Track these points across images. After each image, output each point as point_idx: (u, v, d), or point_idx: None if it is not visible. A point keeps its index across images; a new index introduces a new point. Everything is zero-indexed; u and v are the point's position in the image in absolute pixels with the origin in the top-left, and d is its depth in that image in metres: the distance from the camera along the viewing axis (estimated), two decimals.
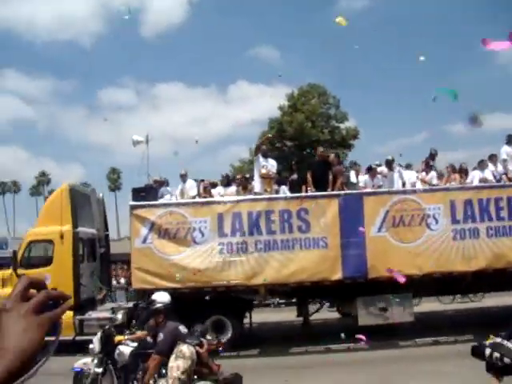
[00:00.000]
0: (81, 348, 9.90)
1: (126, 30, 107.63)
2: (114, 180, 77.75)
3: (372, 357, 12.14)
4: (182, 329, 7.11)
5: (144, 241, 13.25)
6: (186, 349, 5.05)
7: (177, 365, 4.91)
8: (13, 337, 0.92)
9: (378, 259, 13.02)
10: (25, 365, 0.92)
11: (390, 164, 14.65)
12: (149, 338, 7.79)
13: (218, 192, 14.75)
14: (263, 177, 13.95)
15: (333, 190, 13.83)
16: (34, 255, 14.70)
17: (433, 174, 14.45)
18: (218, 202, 13.62)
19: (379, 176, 14.46)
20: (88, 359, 8.47)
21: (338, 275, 12.96)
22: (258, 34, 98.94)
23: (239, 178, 14.91)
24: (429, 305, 19.10)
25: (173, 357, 4.85)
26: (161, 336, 6.95)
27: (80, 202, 15.08)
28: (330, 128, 47.83)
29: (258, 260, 13.08)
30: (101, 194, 16.88)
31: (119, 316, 11.30)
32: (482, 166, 14.74)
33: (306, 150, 47.05)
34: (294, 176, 15.65)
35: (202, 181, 15.42)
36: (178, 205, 13.57)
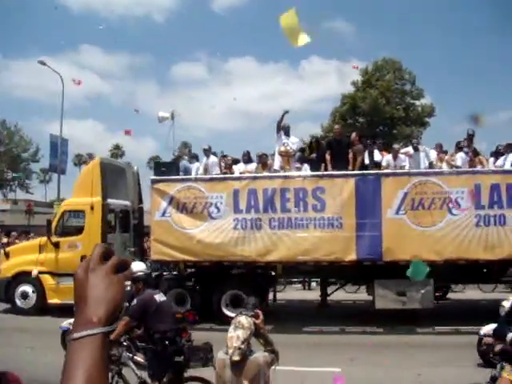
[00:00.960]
0: None
1: (198, 5, 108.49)
2: (184, 154, 79.12)
3: (387, 341, 11.93)
4: (159, 297, 7.28)
5: (163, 214, 13.58)
6: (244, 319, 5.26)
7: (236, 335, 5.13)
8: (103, 290, 1.11)
9: (395, 242, 12.68)
10: (116, 312, 1.12)
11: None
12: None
13: (238, 168, 14.78)
14: (282, 154, 13.84)
15: (353, 169, 13.53)
16: (68, 224, 15.44)
17: (460, 155, 13.70)
18: (234, 179, 13.71)
19: (402, 156, 13.95)
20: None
21: (351, 256, 12.74)
22: (333, 7, 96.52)
23: (260, 156, 14.85)
24: (470, 292, 18.44)
25: (232, 327, 5.09)
26: (134, 301, 7.18)
27: (112, 175, 15.59)
28: (404, 105, 46.46)
29: (271, 237, 13.07)
30: (135, 168, 17.37)
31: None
32: None
33: (379, 127, 45.99)
34: (314, 155, 15.37)
35: (225, 156, 15.50)
36: (196, 180, 13.76)
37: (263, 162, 14.43)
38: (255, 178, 13.56)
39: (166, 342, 7.06)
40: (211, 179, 13.81)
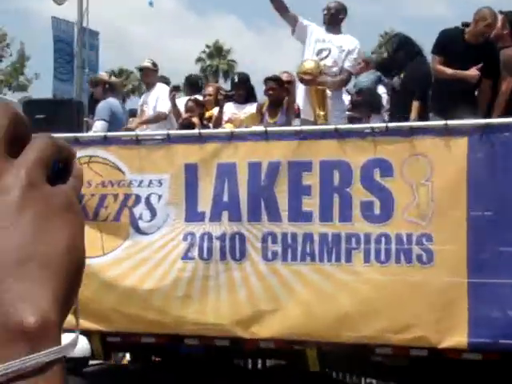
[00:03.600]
0: None
1: None
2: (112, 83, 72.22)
3: None
4: None
5: None
6: None
7: None
8: (33, 242, 0.46)
9: None
10: (71, 298, 0.51)
11: None
12: None
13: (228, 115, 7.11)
14: (304, 79, 6.13)
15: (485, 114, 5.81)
16: None
17: None
18: (190, 140, 6.09)
19: None
20: None
21: (459, 337, 5.15)
22: None
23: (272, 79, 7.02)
24: None
25: None
26: None
27: None
28: None
29: (268, 281, 5.64)
30: None
31: None
32: None
33: None
34: (396, 80, 7.31)
35: (177, 88, 7.78)
36: (106, 141, 6.29)
37: (276, 97, 6.68)
38: (238, 136, 5.99)
39: None
40: (138, 141, 6.25)
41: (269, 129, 5.84)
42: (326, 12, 6.54)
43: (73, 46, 15.22)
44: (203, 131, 6.06)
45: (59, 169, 0.47)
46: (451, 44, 6.36)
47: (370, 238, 5.41)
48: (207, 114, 7.07)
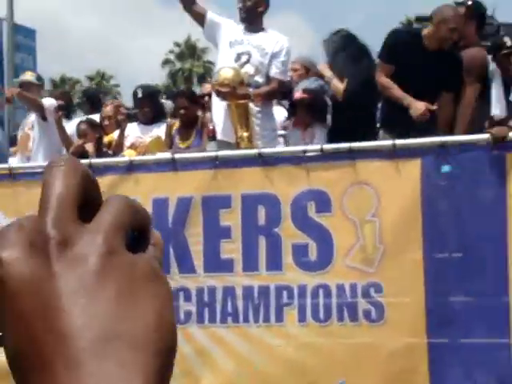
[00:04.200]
0: None
1: None
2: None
3: None
4: None
5: None
6: None
7: None
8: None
9: None
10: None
11: None
12: None
13: (132, 139, 5.87)
14: (221, 92, 4.95)
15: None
16: None
17: None
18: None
19: None
20: None
21: None
22: None
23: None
24: None
25: None
26: None
27: None
28: None
29: (180, 348, 4.47)
30: None
31: None
32: None
33: None
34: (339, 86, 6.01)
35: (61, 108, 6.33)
36: None
37: (185, 118, 5.44)
38: (140, 166, 4.76)
39: None
40: (13, 176, 4.85)
41: (177, 156, 4.67)
42: (240, 6, 5.25)
43: (1, 47, 13.61)
44: (95, 161, 4.86)
45: (135, 235, 0.42)
46: (405, 50, 5.23)
47: (306, 290, 4.32)
48: (106, 139, 5.87)
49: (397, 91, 4.98)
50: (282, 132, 5.86)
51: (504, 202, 4.03)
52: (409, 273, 4.19)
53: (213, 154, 4.63)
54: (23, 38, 12.59)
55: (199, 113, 5.42)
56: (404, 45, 5.27)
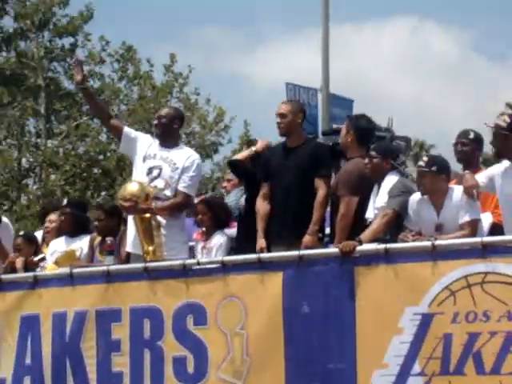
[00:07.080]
0: None
1: None
2: None
3: None
4: None
5: None
6: None
7: None
8: None
9: None
10: None
11: None
12: None
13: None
14: (124, 207, 5.16)
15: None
16: None
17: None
18: None
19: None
20: None
21: None
22: None
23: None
24: None
25: None
26: None
27: None
28: None
29: None
30: None
31: None
32: None
33: None
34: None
35: None
36: None
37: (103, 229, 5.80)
38: (42, 281, 4.92)
39: None
40: None
41: (74, 270, 4.98)
42: (156, 122, 5.48)
43: (317, 120, 11.34)
44: (4, 277, 5.25)
45: None
46: None
47: None
48: (45, 252, 6.13)
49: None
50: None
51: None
52: None
53: (104, 268, 4.90)
54: (340, 110, 11.44)
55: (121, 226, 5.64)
56: None
